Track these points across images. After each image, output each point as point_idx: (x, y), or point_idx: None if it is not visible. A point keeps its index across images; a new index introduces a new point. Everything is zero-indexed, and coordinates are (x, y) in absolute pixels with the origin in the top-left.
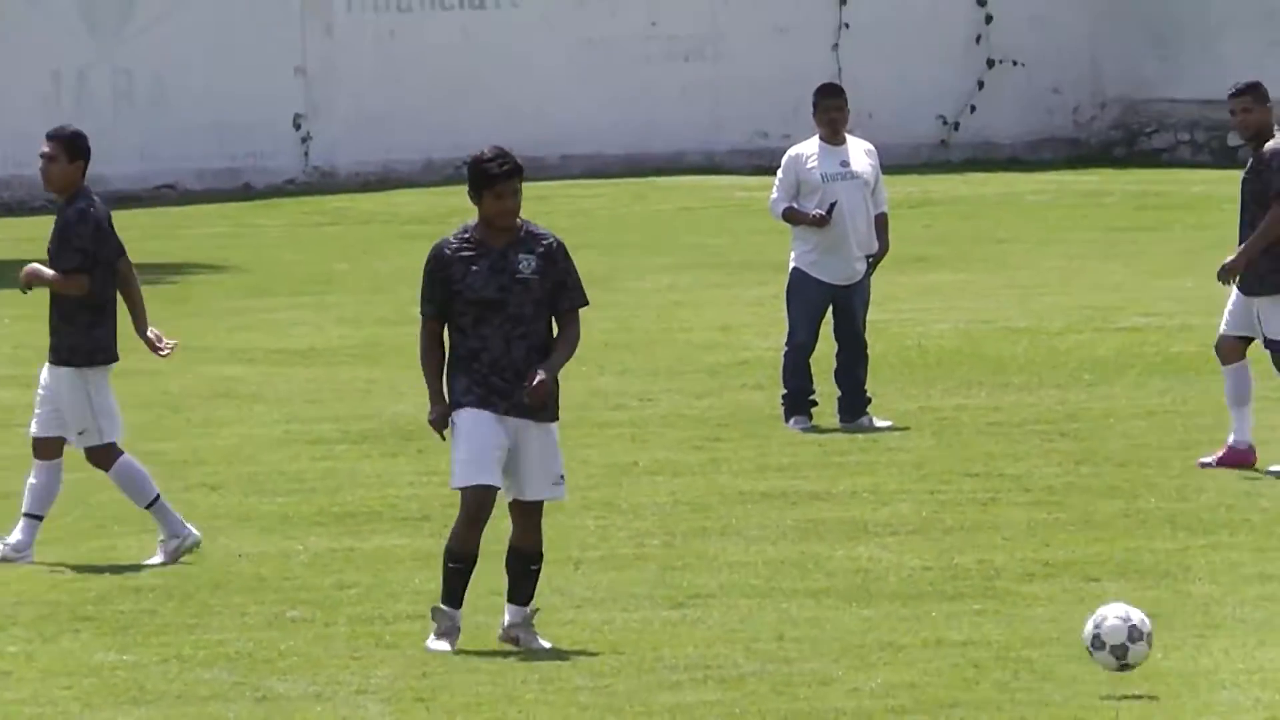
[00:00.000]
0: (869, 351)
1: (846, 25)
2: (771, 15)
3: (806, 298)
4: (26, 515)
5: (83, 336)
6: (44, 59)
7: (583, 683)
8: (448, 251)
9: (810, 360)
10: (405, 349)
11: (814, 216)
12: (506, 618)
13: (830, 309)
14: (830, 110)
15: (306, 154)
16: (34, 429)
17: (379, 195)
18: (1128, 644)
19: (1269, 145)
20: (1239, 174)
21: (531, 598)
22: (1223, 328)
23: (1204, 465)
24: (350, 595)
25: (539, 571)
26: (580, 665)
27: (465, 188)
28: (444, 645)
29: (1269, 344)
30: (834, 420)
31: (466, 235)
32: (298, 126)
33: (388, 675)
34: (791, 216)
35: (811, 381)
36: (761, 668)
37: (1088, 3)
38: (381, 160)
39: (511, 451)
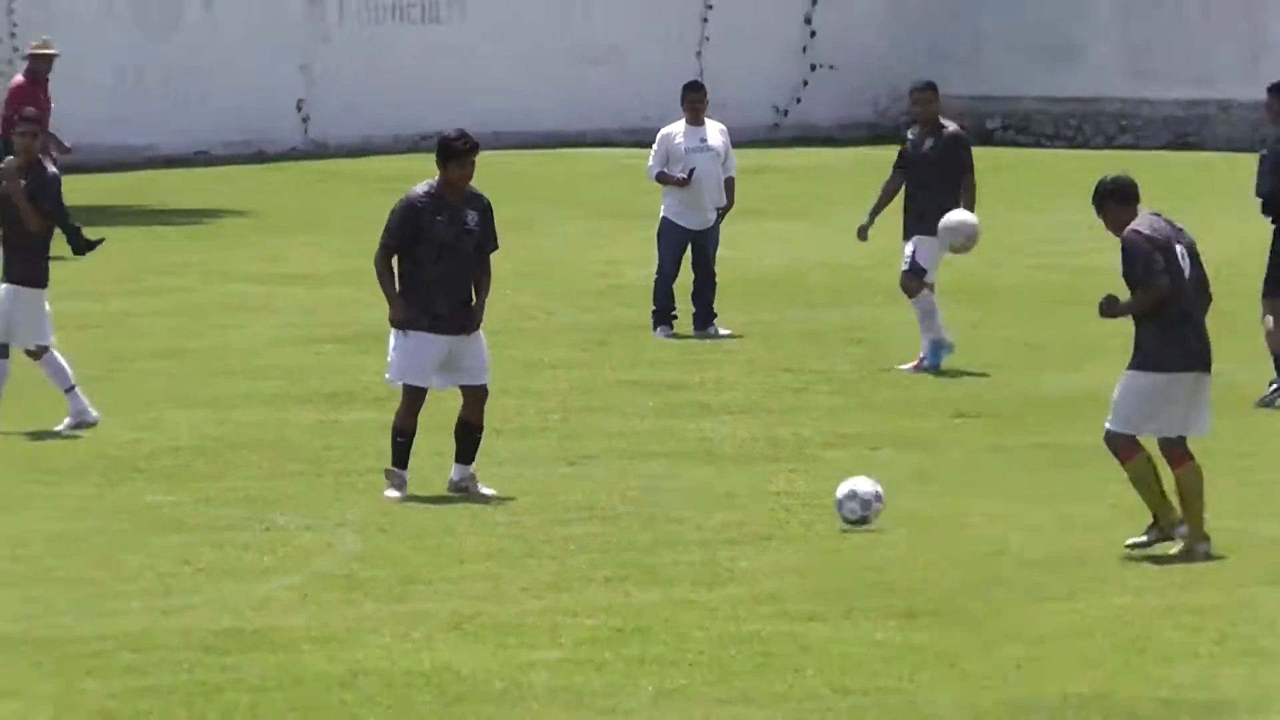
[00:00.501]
0: (717, 279)
1: (708, 38)
2: (653, 29)
3: (671, 239)
4: None
5: (40, 263)
6: (109, 56)
7: (501, 519)
8: (418, 204)
9: (673, 285)
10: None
11: (678, 178)
12: (455, 474)
13: (689, 247)
14: (693, 101)
15: (306, 130)
16: None
17: (359, 160)
18: (874, 503)
19: (951, 129)
20: (995, 150)
21: (474, 459)
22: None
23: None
24: (333, 454)
25: (480, 439)
26: (499, 507)
27: (422, 156)
28: (395, 494)
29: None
30: (689, 329)
31: (431, 192)
32: (299, 109)
33: (360, 512)
34: (662, 178)
35: (673, 301)
36: (632, 510)
37: (885, 23)
38: (362, 135)
39: (454, 356)
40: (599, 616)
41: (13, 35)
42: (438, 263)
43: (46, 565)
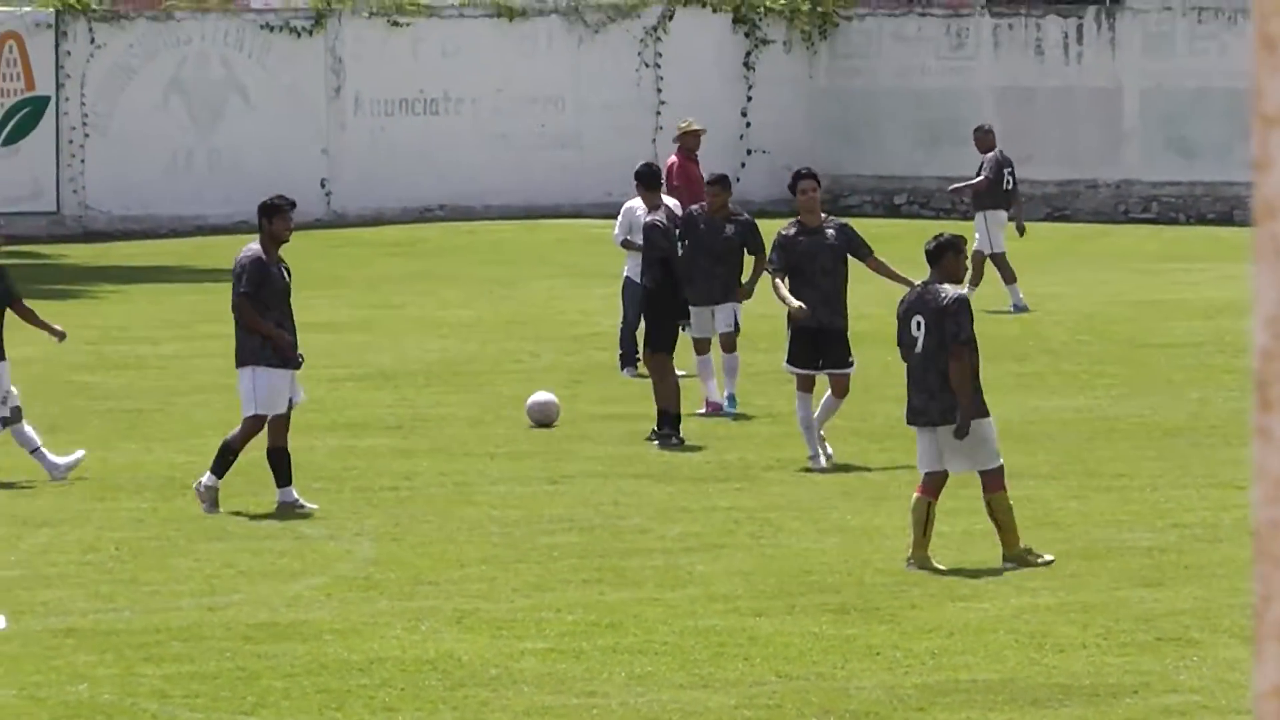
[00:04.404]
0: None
1: (661, 128)
2: (613, 121)
3: (634, 294)
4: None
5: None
6: (165, 143)
7: (495, 530)
8: (263, 258)
9: (635, 333)
10: (386, 322)
11: (639, 244)
12: (282, 496)
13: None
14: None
15: (328, 203)
16: None
17: (373, 228)
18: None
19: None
20: (899, 221)
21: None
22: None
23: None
24: (352, 474)
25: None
26: (494, 518)
27: (426, 225)
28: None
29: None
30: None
31: (264, 249)
32: (323, 185)
33: (375, 523)
34: (626, 244)
35: (636, 346)
36: (603, 522)
37: (807, 117)
38: (375, 206)
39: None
40: (578, 612)
41: (84, 124)
42: (276, 308)
43: (110, 568)
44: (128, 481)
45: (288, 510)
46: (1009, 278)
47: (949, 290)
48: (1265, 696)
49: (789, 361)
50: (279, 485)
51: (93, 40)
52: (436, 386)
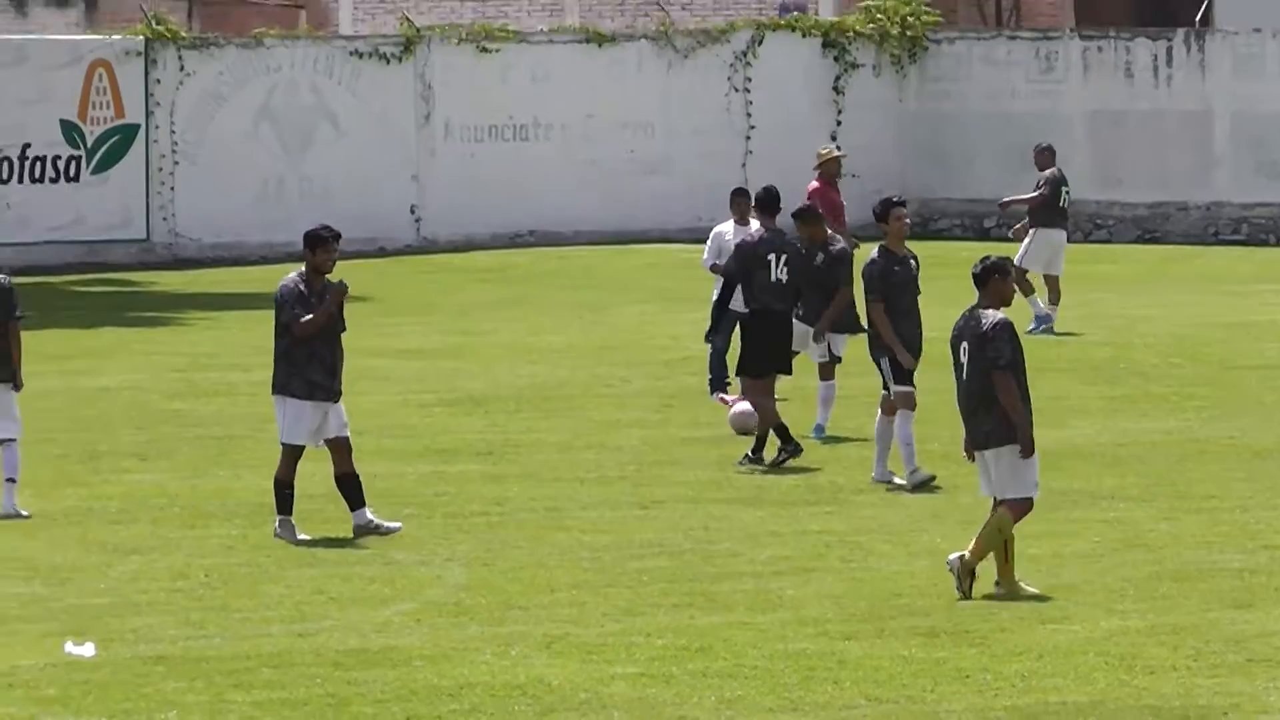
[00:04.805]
0: None
1: (750, 152)
2: (702, 145)
3: (724, 319)
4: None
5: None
6: (256, 171)
7: (585, 555)
8: (303, 291)
9: (725, 358)
10: (476, 348)
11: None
12: (358, 519)
13: (737, 326)
14: (740, 204)
15: (418, 229)
16: None
17: (463, 255)
18: None
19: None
20: (989, 244)
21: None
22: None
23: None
24: (442, 500)
25: (360, 483)
26: (584, 543)
27: (517, 251)
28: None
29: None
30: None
31: (305, 279)
32: (413, 212)
33: (465, 549)
34: (715, 269)
35: (726, 370)
36: (694, 546)
37: (896, 141)
38: (465, 233)
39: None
40: (668, 637)
41: (174, 151)
42: (315, 337)
43: (200, 595)
44: (218, 509)
45: (365, 532)
46: (1054, 298)
47: (991, 315)
48: None
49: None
50: (352, 509)
51: (182, 68)
52: (527, 412)
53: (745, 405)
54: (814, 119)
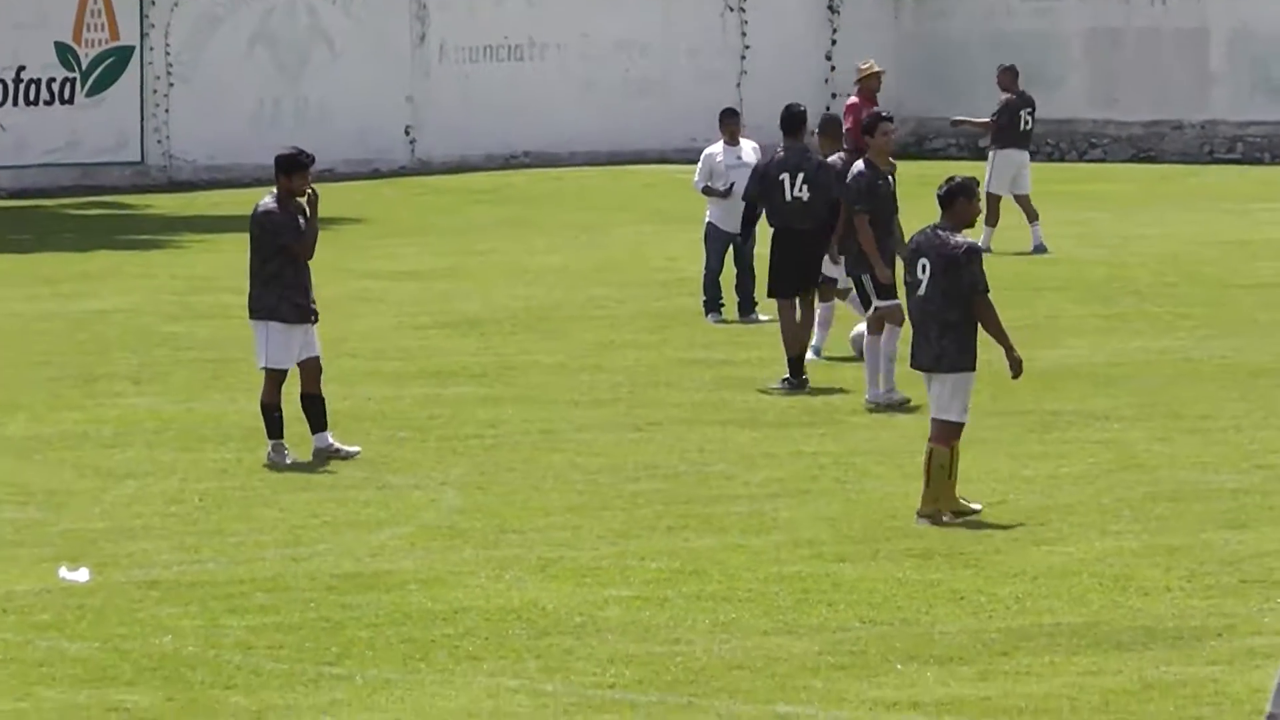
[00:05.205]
0: (755, 274)
1: (745, 72)
2: (699, 64)
3: (716, 241)
4: None
5: None
6: (251, 91)
7: (580, 478)
8: (286, 212)
9: (719, 279)
10: (472, 270)
11: (720, 191)
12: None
13: (731, 247)
14: (730, 124)
15: (413, 151)
16: None
17: (458, 176)
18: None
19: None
20: (981, 164)
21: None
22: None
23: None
24: (437, 422)
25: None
26: (579, 466)
27: (512, 172)
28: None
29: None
30: (735, 315)
31: (279, 202)
32: (407, 133)
33: (460, 472)
34: (706, 191)
35: (720, 291)
36: (689, 469)
37: (892, 61)
38: (460, 154)
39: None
40: (662, 560)
41: (168, 74)
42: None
43: (195, 519)
44: (212, 432)
45: (325, 455)
46: (1031, 216)
47: (959, 240)
48: None
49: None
50: (313, 432)
51: None
52: (522, 334)
53: (863, 327)
54: (809, 39)
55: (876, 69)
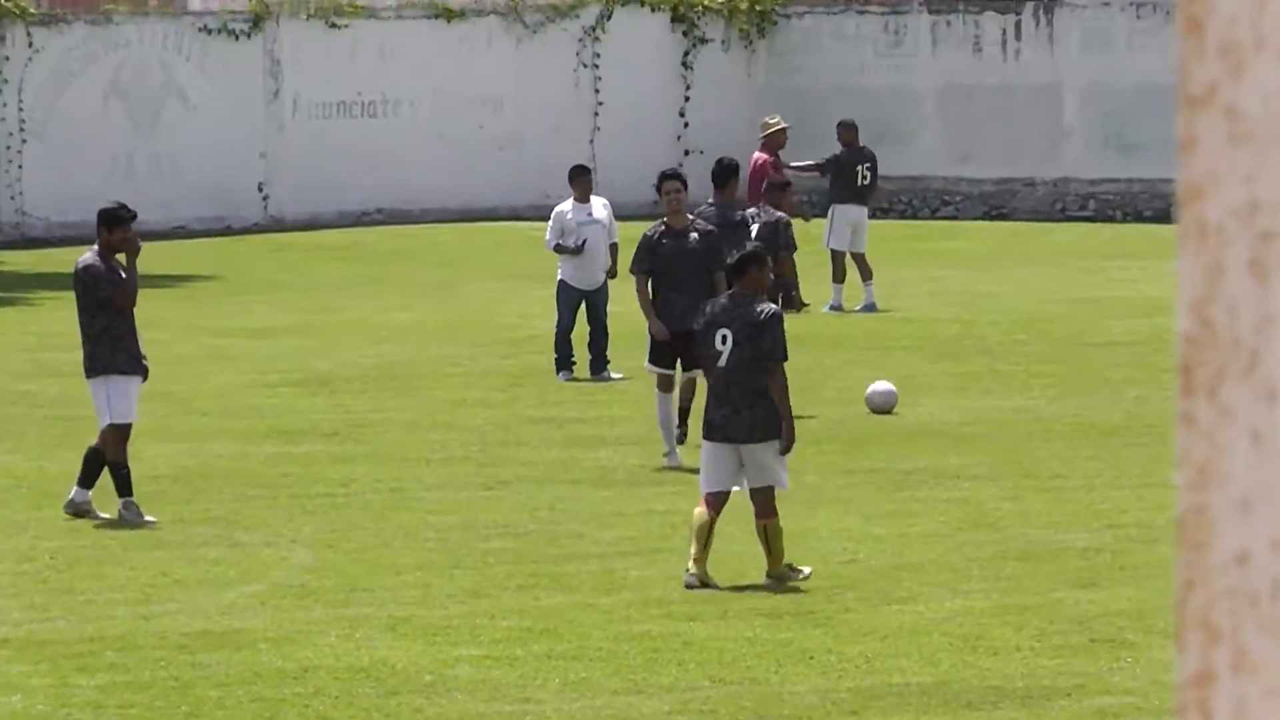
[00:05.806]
0: (609, 331)
1: (599, 129)
2: (551, 121)
3: (567, 297)
4: None
5: None
6: (105, 146)
7: (431, 536)
8: (107, 266)
9: (571, 336)
10: (324, 327)
11: (572, 248)
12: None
13: (583, 304)
14: (581, 181)
15: (266, 207)
16: None
17: (310, 233)
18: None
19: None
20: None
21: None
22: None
23: None
24: (287, 480)
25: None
26: (430, 524)
27: (364, 230)
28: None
29: None
30: (587, 373)
31: (101, 257)
32: (260, 190)
33: (311, 530)
34: (558, 249)
35: (571, 349)
36: (540, 528)
37: (746, 117)
38: (312, 211)
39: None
40: (513, 618)
41: (21, 129)
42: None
43: (45, 577)
44: (64, 490)
45: (80, 509)
46: (865, 275)
47: (764, 305)
48: (1186, 686)
49: (651, 361)
50: (81, 485)
51: (30, 44)
52: (373, 391)
53: (885, 384)
54: (663, 95)
55: (782, 124)
